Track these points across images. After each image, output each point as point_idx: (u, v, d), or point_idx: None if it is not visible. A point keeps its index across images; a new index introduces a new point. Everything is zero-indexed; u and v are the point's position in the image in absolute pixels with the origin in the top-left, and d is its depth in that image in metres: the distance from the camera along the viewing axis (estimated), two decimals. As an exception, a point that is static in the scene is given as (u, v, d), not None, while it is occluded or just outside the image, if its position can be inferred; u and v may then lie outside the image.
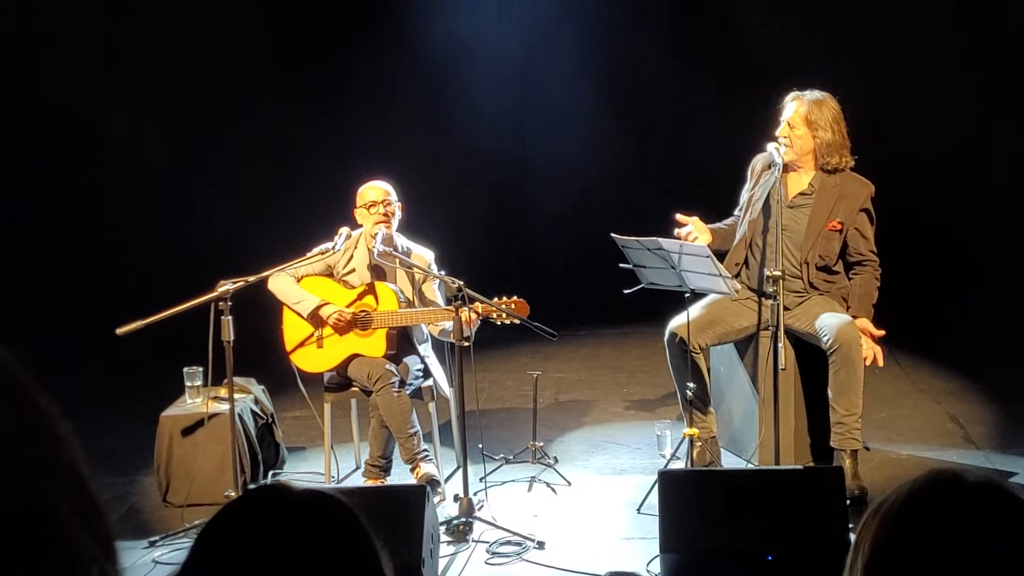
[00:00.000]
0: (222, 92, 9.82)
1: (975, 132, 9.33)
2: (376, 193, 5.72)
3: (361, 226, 5.78)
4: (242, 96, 9.87)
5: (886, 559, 1.38)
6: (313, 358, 5.69)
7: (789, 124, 5.58)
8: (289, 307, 5.69)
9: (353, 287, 5.71)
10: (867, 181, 5.64)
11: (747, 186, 5.90)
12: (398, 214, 5.77)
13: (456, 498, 5.27)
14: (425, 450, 5.60)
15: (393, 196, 5.76)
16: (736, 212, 5.96)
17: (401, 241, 5.79)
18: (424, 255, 5.82)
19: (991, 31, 9.29)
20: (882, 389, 6.92)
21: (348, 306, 5.65)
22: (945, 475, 1.44)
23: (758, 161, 5.85)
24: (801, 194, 5.67)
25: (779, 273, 5.17)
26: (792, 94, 5.64)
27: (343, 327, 5.60)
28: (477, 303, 5.34)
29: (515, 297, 5.49)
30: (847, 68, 9.15)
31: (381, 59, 9.97)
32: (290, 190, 9.84)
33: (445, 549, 4.99)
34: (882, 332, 5.47)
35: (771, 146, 5.57)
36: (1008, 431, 6.33)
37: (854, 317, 5.51)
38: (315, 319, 5.64)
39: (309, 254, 5.67)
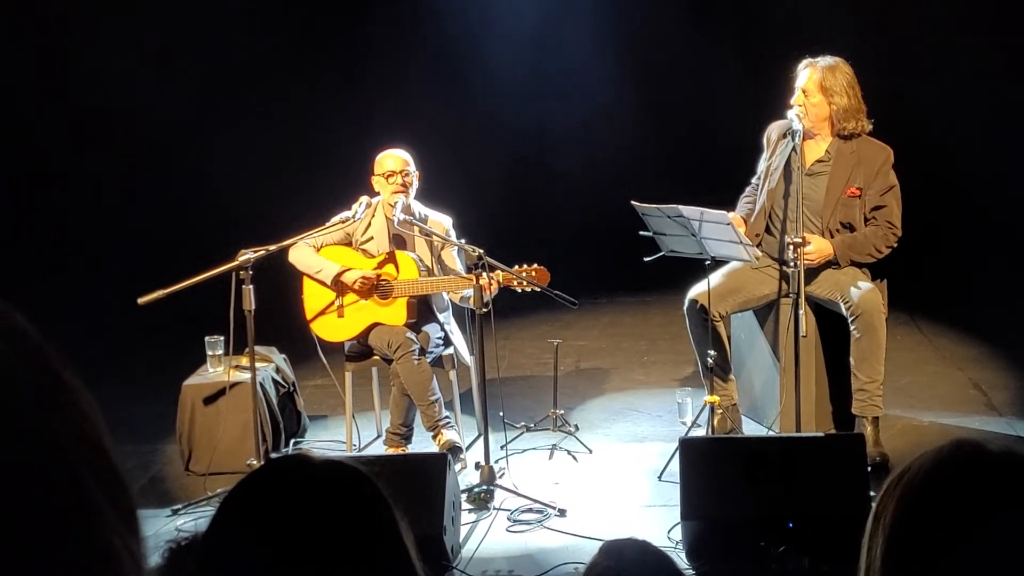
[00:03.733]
0: (242, 61, 9.80)
1: (1000, 97, 9.24)
2: (394, 162, 5.71)
3: (379, 194, 5.77)
4: (262, 65, 9.86)
5: (909, 530, 1.38)
6: (334, 327, 5.70)
7: (804, 91, 5.53)
8: (310, 277, 5.70)
9: (372, 256, 5.72)
10: (885, 145, 5.57)
11: (764, 155, 5.86)
12: (416, 183, 5.75)
13: (477, 466, 5.29)
14: (447, 417, 5.62)
15: (411, 166, 5.74)
16: (754, 180, 5.92)
17: (418, 208, 5.77)
18: (442, 221, 5.81)
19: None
20: (904, 356, 6.90)
21: (368, 275, 5.66)
22: (968, 445, 1.43)
23: (773, 129, 5.80)
24: (818, 161, 5.61)
25: (800, 240, 5.15)
26: (805, 61, 5.58)
27: (367, 291, 5.60)
28: (498, 271, 5.34)
29: (535, 265, 5.49)
30: (868, 32, 9.07)
31: (400, 26, 9.94)
32: (310, 158, 9.85)
33: (466, 517, 5.01)
34: (815, 260, 5.35)
35: (791, 112, 5.53)
36: (1031, 397, 6.31)
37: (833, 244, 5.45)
38: (338, 285, 5.64)
39: (329, 223, 5.68)
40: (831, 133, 5.58)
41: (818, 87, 5.49)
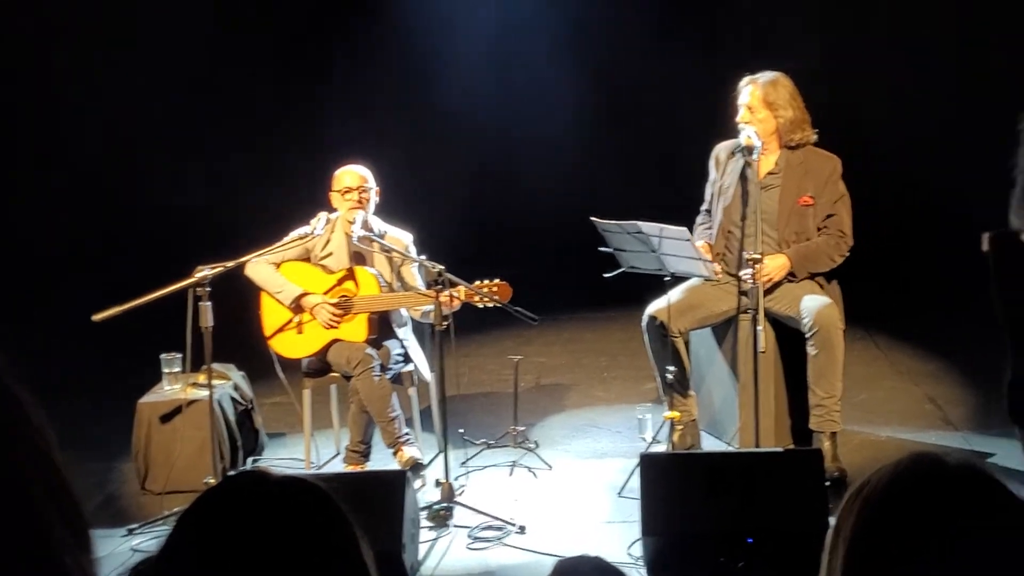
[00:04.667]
0: (197, 75, 9.75)
1: (956, 111, 9.33)
2: (352, 179, 5.69)
3: (337, 210, 5.75)
4: (219, 80, 9.81)
5: (868, 543, 1.38)
6: (292, 343, 5.67)
7: (749, 108, 5.59)
8: (269, 295, 5.66)
9: (332, 272, 5.69)
10: (832, 155, 5.65)
11: (712, 178, 5.88)
12: (374, 199, 5.73)
13: (437, 483, 5.27)
14: (407, 433, 5.59)
15: (370, 182, 5.72)
16: (704, 207, 5.95)
17: (377, 224, 5.75)
18: (401, 238, 5.79)
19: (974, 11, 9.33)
20: (861, 371, 6.95)
21: (328, 291, 5.62)
22: (926, 459, 1.44)
23: (721, 150, 5.84)
24: (770, 174, 5.66)
25: (758, 256, 5.18)
26: (745, 79, 5.65)
27: (328, 324, 5.56)
28: (459, 287, 5.32)
29: (497, 280, 5.46)
30: (833, 45, 9.17)
31: (361, 40, 9.93)
32: (268, 173, 9.80)
33: (426, 534, 4.98)
34: (775, 277, 5.46)
35: (749, 129, 5.54)
36: (985, 412, 6.34)
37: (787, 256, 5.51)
38: (297, 309, 5.62)
39: (286, 239, 5.63)
40: (779, 146, 5.64)
41: (762, 103, 5.56)
